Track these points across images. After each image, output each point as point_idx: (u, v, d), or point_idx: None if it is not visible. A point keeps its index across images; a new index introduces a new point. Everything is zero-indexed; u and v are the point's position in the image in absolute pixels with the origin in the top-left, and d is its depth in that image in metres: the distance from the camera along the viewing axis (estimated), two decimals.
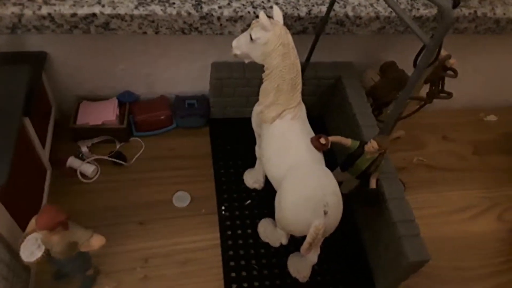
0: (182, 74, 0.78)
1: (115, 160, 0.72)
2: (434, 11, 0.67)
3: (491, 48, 0.87)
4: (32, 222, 0.51)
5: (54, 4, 0.55)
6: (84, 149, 0.72)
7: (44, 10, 0.55)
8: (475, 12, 0.69)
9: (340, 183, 0.58)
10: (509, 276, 0.73)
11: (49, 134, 0.71)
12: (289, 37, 0.56)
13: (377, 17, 0.65)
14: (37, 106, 0.65)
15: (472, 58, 0.88)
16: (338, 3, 0.65)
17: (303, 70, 0.60)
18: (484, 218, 0.81)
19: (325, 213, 0.52)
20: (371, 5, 0.65)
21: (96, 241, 0.50)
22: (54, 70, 0.71)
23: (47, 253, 0.50)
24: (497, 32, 0.73)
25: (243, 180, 0.74)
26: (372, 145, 0.59)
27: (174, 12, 0.58)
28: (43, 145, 0.67)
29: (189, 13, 0.58)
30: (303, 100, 0.60)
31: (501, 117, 1.00)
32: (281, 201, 0.56)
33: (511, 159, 0.92)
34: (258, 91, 0.61)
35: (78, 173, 0.70)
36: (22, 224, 0.56)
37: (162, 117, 0.77)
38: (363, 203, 0.68)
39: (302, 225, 0.54)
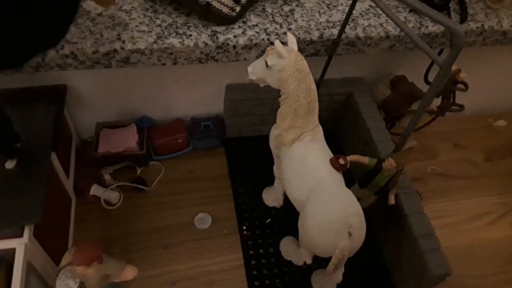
0: (197, 97, 0.79)
1: (136, 185, 0.74)
2: (442, 27, 0.68)
3: (498, 57, 0.88)
4: (66, 256, 0.52)
5: (76, 43, 0.57)
6: (107, 176, 0.73)
7: (67, 49, 0.57)
8: (482, 25, 0.70)
9: (358, 199, 0.59)
10: None
11: (71, 163, 0.73)
12: (304, 63, 0.56)
13: (387, 37, 0.67)
14: (61, 138, 0.67)
15: (480, 67, 0.89)
16: (349, 25, 0.66)
17: (317, 89, 0.61)
18: (500, 224, 0.81)
19: (350, 234, 0.53)
20: (381, 25, 0.67)
21: (129, 273, 0.52)
22: (74, 100, 0.73)
23: (81, 286, 0.51)
24: (504, 43, 0.75)
25: (262, 198, 0.76)
26: (390, 163, 0.60)
27: (192, 44, 0.59)
28: (67, 175, 0.69)
29: (206, 44, 0.60)
30: None
31: (510, 122, 1.01)
32: (305, 225, 0.57)
33: None
34: (273, 110, 0.62)
35: (102, 200, 0.72)
36: (53, 255, 0.57)
37: (179, 140, 0.79)
38: (383, 218, 0.69)
39: (327, 247, 0.55)
